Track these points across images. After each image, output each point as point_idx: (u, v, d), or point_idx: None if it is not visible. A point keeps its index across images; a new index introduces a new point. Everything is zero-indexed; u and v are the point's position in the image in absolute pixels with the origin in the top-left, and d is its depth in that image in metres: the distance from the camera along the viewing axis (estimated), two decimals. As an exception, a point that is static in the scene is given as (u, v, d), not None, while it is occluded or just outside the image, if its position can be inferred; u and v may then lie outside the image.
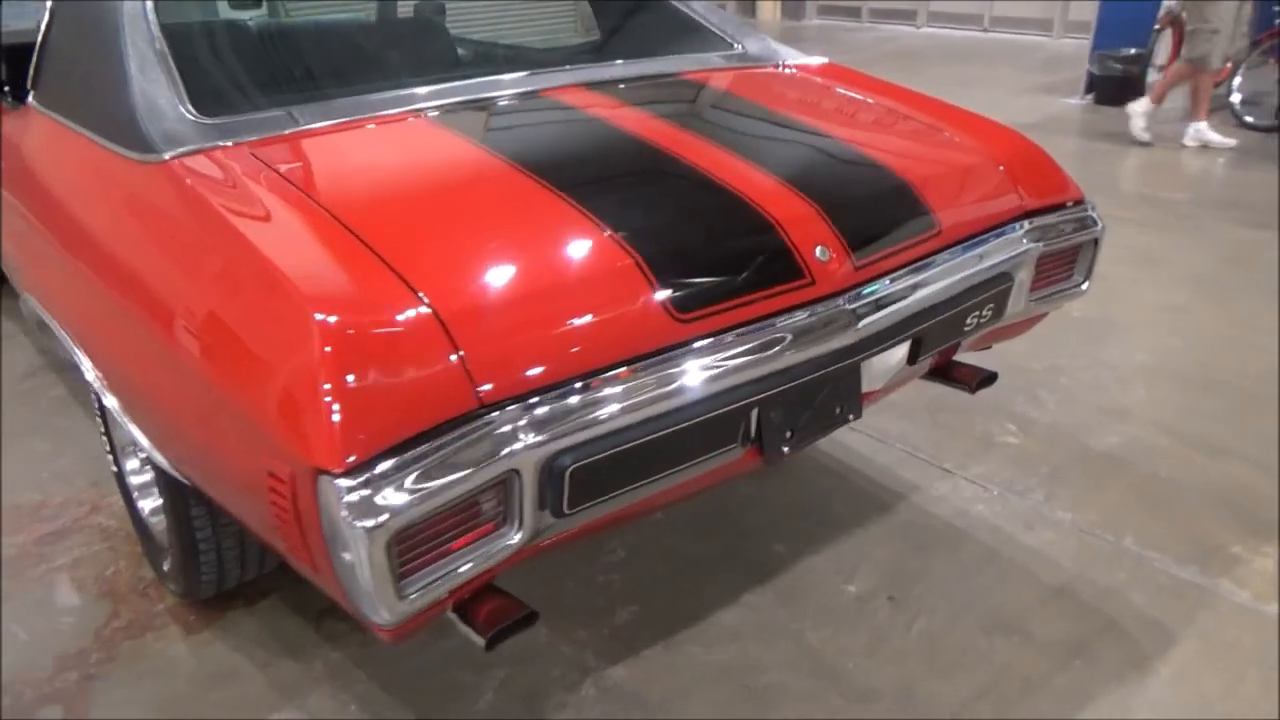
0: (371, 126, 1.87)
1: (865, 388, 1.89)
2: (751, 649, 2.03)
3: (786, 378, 1.64)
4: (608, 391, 1.41)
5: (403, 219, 1.56)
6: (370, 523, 1.18)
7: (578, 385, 1.39)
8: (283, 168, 1.66)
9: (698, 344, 1.51)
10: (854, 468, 2.68)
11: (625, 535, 2.38)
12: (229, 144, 1.71)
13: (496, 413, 1.31)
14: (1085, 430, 2.86)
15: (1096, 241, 2.20)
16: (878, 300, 1.75)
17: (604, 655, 2.02)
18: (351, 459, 1.19)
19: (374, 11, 3.04)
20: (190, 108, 1.77)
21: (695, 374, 1.49)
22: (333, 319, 1.28)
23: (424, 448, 1.24)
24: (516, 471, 1.33)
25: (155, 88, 1.78)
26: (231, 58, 2.16)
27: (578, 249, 1.53)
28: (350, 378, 1.23)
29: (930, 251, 1.88)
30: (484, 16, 3.51)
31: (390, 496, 1.20)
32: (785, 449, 1.75)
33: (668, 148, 1.86)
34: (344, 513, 1.17)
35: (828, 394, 1.79)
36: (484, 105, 2.03)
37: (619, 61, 2.36)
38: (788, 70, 2.57)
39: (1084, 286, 2.25)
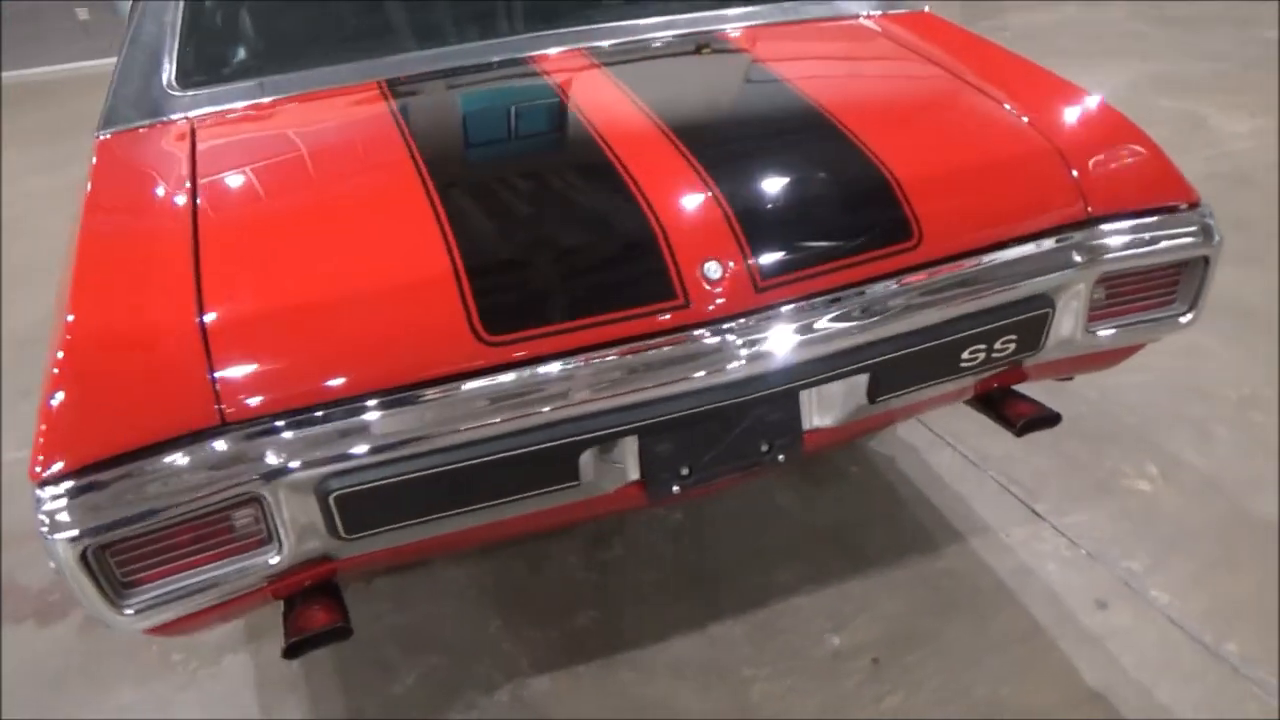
0: (324, 101, 1.84)
1: (811, 425, 1.59)
2: (685, 691, 1.84)
3: (656, 411, 1.42)
4: (379, 417, 1.29)
5: (254, 216, 1.52)
6: (63, 535, 1.18)
7: (344, 408, 1.29)
8: (199, 147, 1.68)
9: (503, 373, 1.34)
10: (921, 491, 2.31)
11: (627, 532, 2.23)
12: (171, 119, 1.76)
13: (239, 432, 1.26)
14: (1253, 488, 2.23)
15: (1207, 261, 1.67)
16: (794, 328, 1.45)
17: (539, 662, 1.93)
18: (56, 469, 1.19)
19: None
20: (166, 77, 1.85)
21: (493, 405, 1.33)
22: (81, 327, 1.28)
23: (141, 463, 1.21)
24: (260, 493, 1.27)
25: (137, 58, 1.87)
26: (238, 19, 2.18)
27: (397, 255, 1.41)
28: (71, 388, 1.23)
29: (901, 268, 1.52)
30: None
31: (92, 509, 1.19)
32: (677, 488, 1.52)
33: (597, 130, 1.64)
34: (41, 523, 1.19)
35: (745, 431, 1.53)
36: (452, 73, 1.91)
37: (654, 17, 2.11)
38: (864, 22, 2.17)
39: (1186, 319, 1.72)
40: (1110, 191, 1.64)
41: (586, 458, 1.42)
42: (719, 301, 1.41)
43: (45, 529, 1.18)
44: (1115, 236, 1.62)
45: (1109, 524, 2.16)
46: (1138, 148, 1.71)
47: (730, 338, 1.41)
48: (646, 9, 2.13)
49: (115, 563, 1.24)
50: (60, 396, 1.22)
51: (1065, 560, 2.07)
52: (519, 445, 1.36)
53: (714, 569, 2.13)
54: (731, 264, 1.42)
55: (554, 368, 1.35)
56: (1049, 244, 1.59)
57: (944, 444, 2.46)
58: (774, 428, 1.55)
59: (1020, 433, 1.81)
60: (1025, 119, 1.72)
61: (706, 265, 1.41)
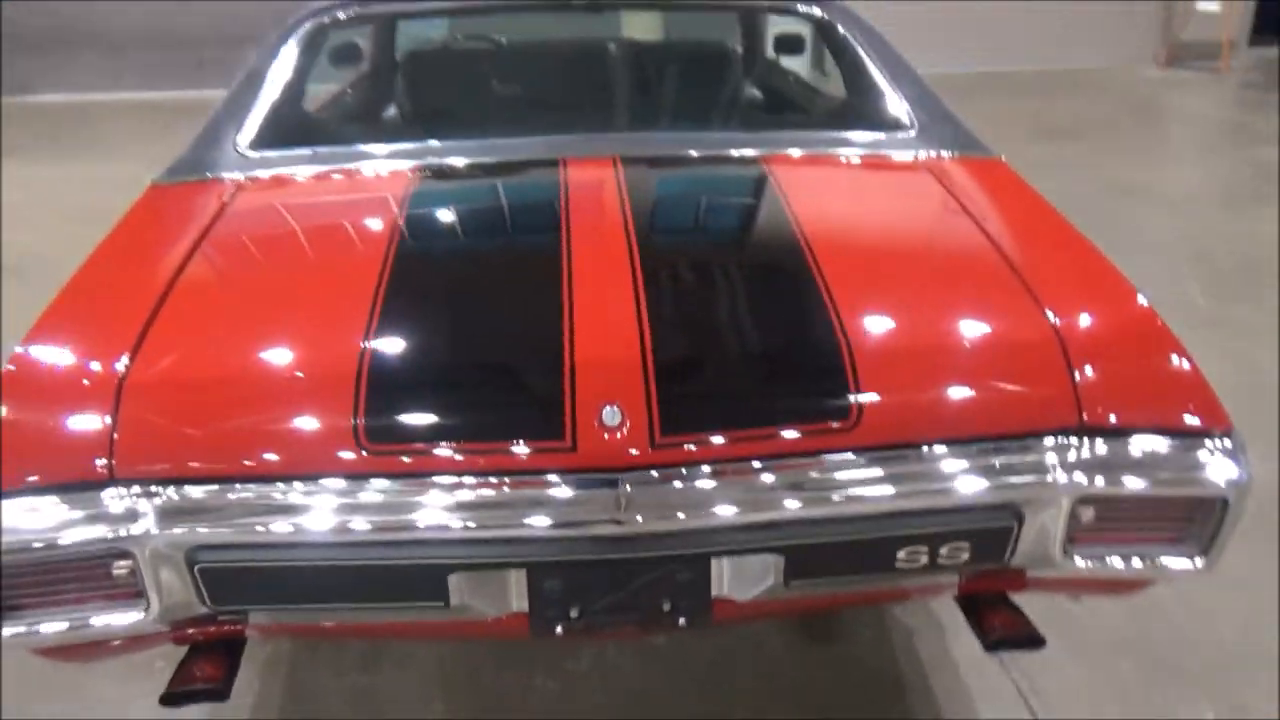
0: (357, 178, 1.95)
1: (721, 593, 1.48)
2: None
3: (534, 551, 1.38)
4: (249, 501, 1.34)
5: (221, 286, 1.64)
6: None
7: (222, 485, 1.34)
8: (227, 209, 1.83)
9: (374, 480, 1.34)
10: (927, 674, 2.08)
11: (602, 648, 2.16)
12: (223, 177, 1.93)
13: (117, 489, 1.34)
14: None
15: (1226, 504, 1.42)
16: (690, 491, 1.36)
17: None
18: None
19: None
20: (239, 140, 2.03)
21: (359, 512, 1.33)
22: (25, 361, 1.42)
23: (31, 498, 1.32)
24: (129, 552, 1.34)
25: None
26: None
27: (317, 349, 1.45)
28: None
29: (827, 448, 1.39)
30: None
31: None
32: (560, 628, 1.46)
33: (569, 244, 1.64)
34: None
35: (647, 585, 1.45)
36: (481, 167, 1.98)
37: (704, 132, 2.09)
38: (929, 162, 2.04)
39: (1197, 563, 1.47)
40: (1114, 401, 1.43)
41: (457, 581, 1.39)
42: (607, 452, 1.35)
43: None
44: (1107, 455, 1.41)
45: (1129, 776, 1.86)
46: (1164, 357, 1.49)
47: (612, 492, 1.34)
48: (706, 125, 2.11)
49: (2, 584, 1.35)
50: None
51: (1057, 799, 1.80)
52: (382, 556, 1.36)
53: (671, 699, 2.02)
54: (630, 414, 1.36)
55: (424, 486, 1.34)
56: (1020, 450, 1.41)
57: (962, 634, 2.20)
58: (679, 589, 1.46)
59: (990, 648, 1.61)
60: (1041, 302, 1.54)
61: (605, 410, 1.36)
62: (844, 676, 2.09)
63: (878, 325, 1.50)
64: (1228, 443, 1.42)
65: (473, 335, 1.52)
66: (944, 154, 2.08)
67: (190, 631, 1.47)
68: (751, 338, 1.52)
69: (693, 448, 1.37)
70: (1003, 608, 1.64)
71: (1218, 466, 1.41)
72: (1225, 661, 2.11)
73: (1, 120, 7.22)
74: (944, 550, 1.43)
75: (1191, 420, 1.43)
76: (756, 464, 1.38)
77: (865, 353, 1.43)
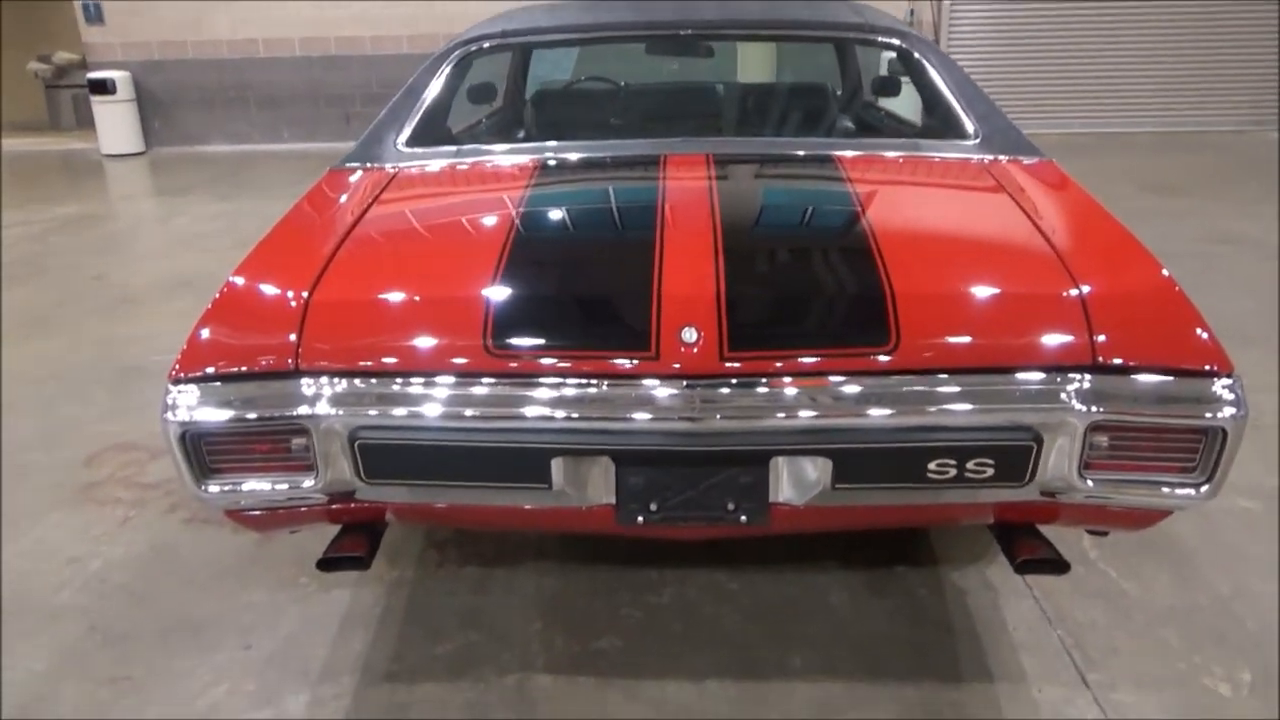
0: (490, 170, 2.35)
1: (778, 497, 1.76)
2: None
3: (621, 441, 1.69)
4: (401, 391, 1.69)
5: (381, 239, 2.02)
6: (173, 420, 1.69)
7: (380, 379, 1.70)
8: (388, 189, 2.25)
9: (497, 377, 1.68)
10: (977, 629, 2.27)
11: (680, 586, 2.43)
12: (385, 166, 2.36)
13: (302, 379, 1.71)
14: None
15: (1225, 433, 1.62)
16: (751, 398, 1.65)
17: (552, 665, 2.18)
18: (181, 375, 1.71)
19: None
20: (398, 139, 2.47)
21: (483, 403, 1.67)
22: (233, 286, 1.82)
23: (236, 383, 1.71)
24: (306, 429, 1.71)
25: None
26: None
27: (455, 280, 1.81)
28: (209, 326, 1.76)
29: (870, 368, 1.66)
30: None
31: (194, 407, 1.69)
32: (641, 518, 1.76)
33: (663, 216, 1.97)
34: (163, 409, 1.70)
35: (715, 486, 1.75)
36: (595, 161, 2.34)
37: (787, 139, 2.41)
38: (985, 163, 2.31)
39: (1201, 491, 1.67)
40: (1125, 343, 1.67)
41: (558, 466, 1.71)
42: (685, 362, 1.66)
43: (165, 414, 1.70)
44: (1116, 387, 1.64)
45: (1158, 713, 2.01)
46: (1175, 313, 1.71)
47: (688, 393, 1.65)
48: (790, 129, 2.44)
49: (206, 450, 1.73)
50: (202, 330, 1.75)
51: (1087, 732, 1.97)
52: (500, 439, 1.69)
53: (740, 637, 2.27)
54: (705, 334, 1.67)
55: (534, 385, 1.68)
56: (1038, 380, 1.65)
57: (1027, 594, 2.39)
58: (742, 490, 1.75)
59: (1019, 570, 1.84)
60: (1068, 265, 1.78)
61: (684, 330, 1.67)
62: (899, 625, 2.29)
63: (919, 277, 1.77)
64: (1228, 381, 1.63)
65: (579, 274, 1.86)
66: (1001, 158, 2.35)
67: (344, 507, 1.82)
68: (810, 283, 1.82)
69: (755, 363, 1.66)
70: (1031, 536, 1.86)
71: (1218, 401, 1.62)
72: (1267, 635, 2.24)
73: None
74: (970, 465, 1.67)
75: (1195, 362, 1.65)
76: (808, 378, 1.66)
77: (906, 296, 1.71)
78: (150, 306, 4.75)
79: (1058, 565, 1.82)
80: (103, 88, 9.07)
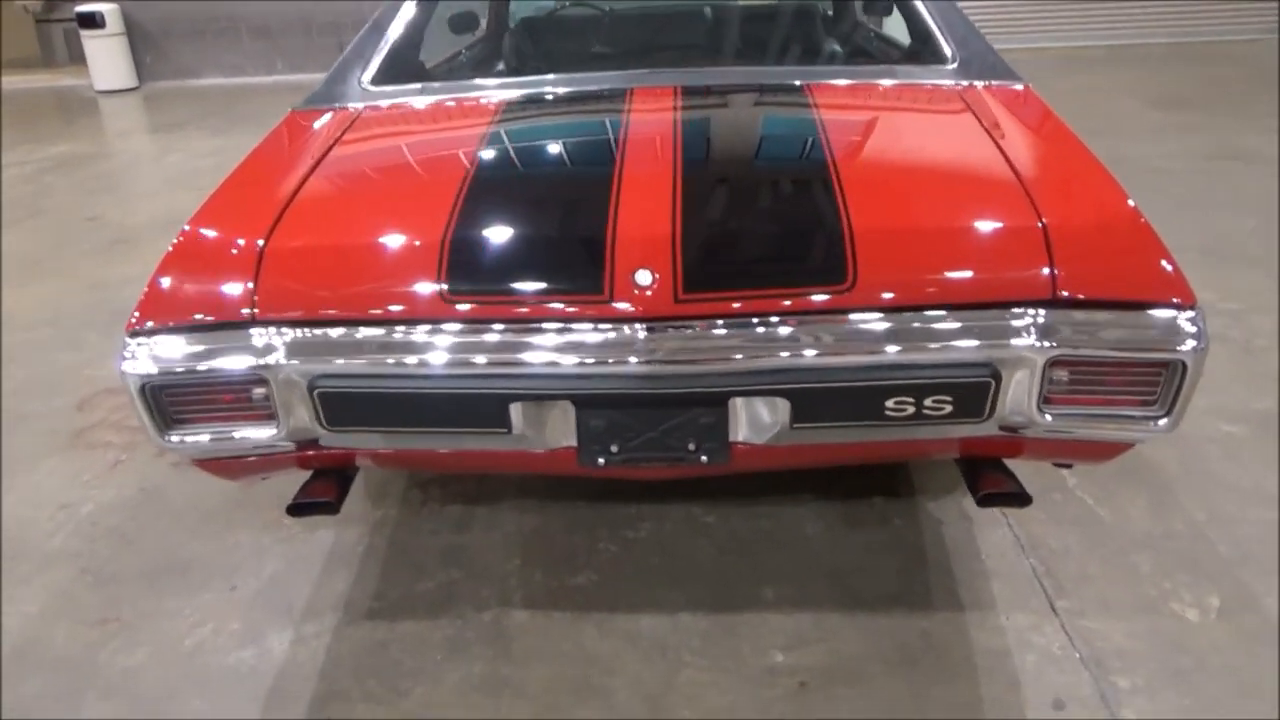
0: (456, 107, 2.30)
1: (737, 437, 1.76)
2: (629, 656, 2.05)
3: (579, 385, 1.69)
4: (356, 340, 1.69)
5: (339, 183, 2.00)
6: (133, 372, 1.70)
7: (336, 327, 1.70)
8: (349, 130, 2.21)
9: (453, 324, 1.67)
10: (950, 557, 2.29)
11: (657, 520, 2.46)
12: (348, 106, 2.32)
13: (258, 329, 1.71)
14: (1320, 649, 1.98)
15: (1184, 367, 1.61)
16: (707, 339, 1.64)
17: (529, 600, 2.22)
18: (138, 326, 1.71)
19: None
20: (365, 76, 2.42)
21: (440, 350, 1.67)
22: (188, 236, 1.81)
23: (192, 334, 1.71)
24: (265, 379, 1.71)
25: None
26: None
27: (411, 225, 1.79)
28: (169, 276, 1.75)
29: (827, 307, 1.65)
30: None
31: (153, 358, 1.70)
32: (603, 460, 1.77)
33: (623, 153, 1.93)
34: (120, 360, 1.71)
35: (676, 427, 1.75)
36: (563, 96, 2.30)
37: (764, 67, 2.36)
38: (961, 90, 2.25)
39: (1161, 424, 1.66)
40: (1086, 277, 1.64)
41: (517, 411, 1.72)
42: (639, 305, 1.64)
43: (122, 367, 1.71)
44: (1075, 322, 1.62)
45: (1125, 639, 2.04)
46: (1139, 246, 1.68)
47: (642, 337, 1.64)
48: (770, 63, 2.39)
49: (167, 401, 1.74)
50: (158, 281, 1.75)
51: (1052, 657, 2.00)
52: (457, 386, 1.69)
53: (715, 570, 2.30)
54: (659, 275, 1.65)
55: (490, 329, 1.67)
56: (995, 315, 1.63)
57: (1002, 523, 2.41)
58: (702, 430, 1.75)
59: (981, 503, 1.85)
60: (1033, 197, 1.75)
61: (638, 273, 1.65)
62: (872, 556, 2.32)
63: (879, 212, 1.74)
64: (1189, 314, 1.61)
65: (535, 216, 1.84)
66: (978, 84, 2.29)
67: (311, 454, 1.83)
68: (767, 221, 1.79)
69: (709, 304, 1.65)
70: (995, 470, 1.87)
71: (1178, 334, 1.60)
72: (1240, 559, 2.25)
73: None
74: (929, 402, 1.67)
75: (1156, 295, 1.62)
76: (763, 318, 1.65)
77: (864, 230, 1.68)
78: (144, 247, 4.74)
79: (1020, 498, 1.82)
80: (91, 21, 8.92)
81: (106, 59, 9.13)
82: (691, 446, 1.76)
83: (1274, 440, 2.69)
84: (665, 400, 1.70)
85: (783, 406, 1.70)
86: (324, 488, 1.90)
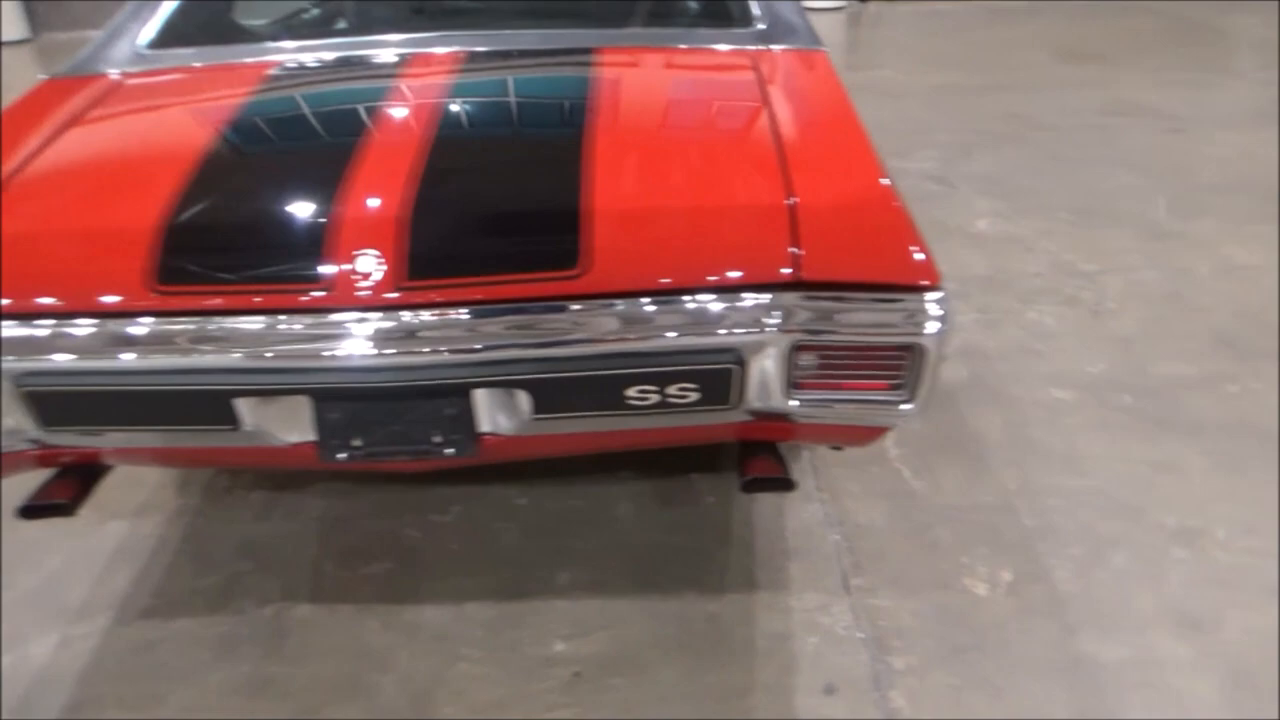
0: (225, 73, 2.16)
1: (484, 428, 1.68)
2: (403, 650, 1.98)
3: (312, 379, 1.59)
4: (61, 335, 1.57)
5: (69, 163, 1.86)
6: None
7: (41, 321, 1.58)
8: (103, 103, 2.07)
9: (160, 316, 1.56)
10: (756, 536, 2.25)
11: (468, 504, 2.38)
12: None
13: None
14: (1099, 630, 1.96)
15: (924, 350, 1.55)
16: (430, 329, 1.55)
17: (316, 593, 2.14)
18: None
19: None
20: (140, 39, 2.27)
21: (146, 345, 1.56)
22: None
23: None
24: None
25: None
26: None
27: (128, 209, 1.67)
28: None
29: (555, 295, 1.56)
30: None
31: None
32: (344, 455, 1.68)
33: (376, 124, 1.83)
34: None
35: (420, 419, 1.66)
36: (336, 63, 2.17)
37: (546, 29, 2.25)
38: (756, 55, 2.16)
39: (906, 407, 1.61)
40: (830, 259, 1.57)
41: (244, 407, 1.62)
42: (360, 293, 1.55)
43: None
44: (818, 306, 1.55)
45: (910, 617, 2.01)
46: (888, 227, 1.61)
47: (364, 326, 1.54)
48: (541, 22, 2.27)
49: None
50: None
51: (834, 638, 1.96)
52: (169, 382, 1.59)
53: (515, 555, 2.23)
54: (382, 261, 1.55)
55: (202, 321, 1.56)
56: (738, 299, 1.56)
57: (818, 499, 2.37)
58: (446, 422, 1.66)
59: (745, 489, 1.79)
60: (787, 175, 1.67)
61: (359, 258, 1.56)
62: (677, 536, 2.27)
63: (623, 192, 1.65)
64: (932, 297, 1.55)
65: (263, 198, 1.72)
66: (775, 48, 2.19)
67: (44, 452, 1.72)
68: (503, 201, 1.69)
69: (435, 291, 1.55)
70: (763, 453, 1.81)
71: (918, 318, 1.54)
72: (1040, 530, 2.23)
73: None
74: (673, 390, 1.60)
75: (901, 278, 1.56)
76: (493, 306, 1.56)
77: (602, 214, 1.59)
78: None
79: (784, 484, 1.77)
80: (-24, -29, 8.48)
81: (-5, 9, 8.69)
82: (437, 439, 1.67)
83: (1097, 405, 2.67)
84: (404, 392, 1.61)
85: (523, 397, 1.62)
86: (61, 488, 1.79)
